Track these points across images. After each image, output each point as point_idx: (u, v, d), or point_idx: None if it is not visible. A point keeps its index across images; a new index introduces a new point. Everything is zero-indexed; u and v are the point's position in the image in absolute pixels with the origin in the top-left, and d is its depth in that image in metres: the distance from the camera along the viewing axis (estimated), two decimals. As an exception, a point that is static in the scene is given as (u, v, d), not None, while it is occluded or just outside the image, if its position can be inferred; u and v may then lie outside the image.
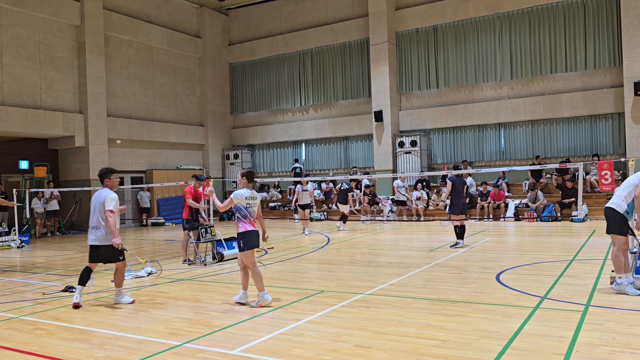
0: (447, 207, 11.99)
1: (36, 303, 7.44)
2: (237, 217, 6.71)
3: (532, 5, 19.24)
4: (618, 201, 6.50)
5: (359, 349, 4.87)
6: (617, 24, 17.98)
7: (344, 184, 17.31)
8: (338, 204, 17.08)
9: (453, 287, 7.34)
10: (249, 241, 6.63)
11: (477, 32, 20.35)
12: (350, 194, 16.87)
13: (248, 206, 6.68)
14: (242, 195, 6.68)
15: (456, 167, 12.01)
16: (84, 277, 7.09)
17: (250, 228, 6.65)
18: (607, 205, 6.65)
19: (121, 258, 7.16)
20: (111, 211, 6.82)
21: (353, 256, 11.00)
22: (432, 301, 6.59)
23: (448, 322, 5.57)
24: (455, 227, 11.48)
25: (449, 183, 11.41)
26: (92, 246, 7.05)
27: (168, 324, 6.00)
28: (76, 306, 6.88)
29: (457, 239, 11.44)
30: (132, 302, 7.09)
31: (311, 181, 22.12)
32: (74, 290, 8.06)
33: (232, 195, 6.72)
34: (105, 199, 6.89)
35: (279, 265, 10.14)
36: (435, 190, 20.21)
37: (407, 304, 6.52)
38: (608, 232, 6.58)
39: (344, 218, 16.67)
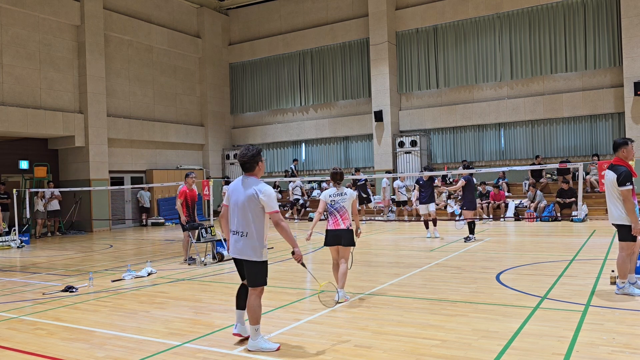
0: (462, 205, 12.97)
1: (36, 303, 7.43)
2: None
3: (532, 5, 19.24)
4: (622, 214, 6.31)
5: (359, 349, 4.87)
6: (617, 24, 17.98)
7: (422, 177, 13.64)
8: (421, 204, 13.40)
9: (453, 287, 7.33)
10: (324, 239, 6.93)
11: (477, 32, 20.35)
12: (435, 183, 13.49)
13: (333, 203, 6.87)
14: (325, 194, 6.99)
15: (467, 167, 12.99)
16: None
17: (327, 226, 6.89)
18: (615, 223, 6.41)
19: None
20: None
21: (353, 256, 10.99)
22: (432, 301, 6.59)
23: (448, 322, 5.57)
24: (470, 222, 12.44)
25: (462, 180, 12.44)
26: None
27: (168, 324, 6.00)
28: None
29: (470, 233, 12.35)
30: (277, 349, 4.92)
31: (306, 181, 22.04)
32: (74, 290, 8.07)
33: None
34: None
35: (279, 265, 10.14)
36: (436, 190, 20.16)
37: (407, 304, 6.52)
38: (621, 240, 6.42)
39: (434, 221, 13.39)
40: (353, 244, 6.84)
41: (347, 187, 7.06)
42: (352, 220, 6.92)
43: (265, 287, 5.00)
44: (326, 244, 6.89)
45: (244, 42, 25.86)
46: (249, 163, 5.03)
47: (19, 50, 17.94)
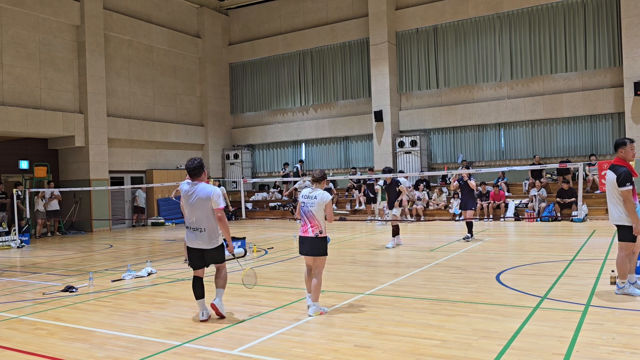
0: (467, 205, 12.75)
1: (36, 303, 7.43)
2: None
3: (532, 5, 19.24)
4: (621, 215, 6.32)
5: (359, 349, 4.87)
6: (617, 24, 17.98)
7: (396, 178, 12.27)
8: (385, 208, 12.43)
9: (453, 287, 7.33)
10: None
11: (477, 32, 20.35)
12: (401, 187, 12.13)
13: (303, 205, 6.32)
14: (301, 194, 6.44)
15: (467, 167, 13.01)
16: None
17: (299, 233, 6.36)
18: (616, 223, 6.43)
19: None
20: None
21: (353, 256, 11.01)
22: (432, 301, 6.59)
23: (448, 322, 5.57)
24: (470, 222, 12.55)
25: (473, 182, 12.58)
26: None
27: (168, 324, 6.00)
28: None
29: (468, 232, 12.52)
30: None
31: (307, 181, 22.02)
32: (74, 290, 8.08)
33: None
34: None
35: (279, 265, 10.14)
36: (436, 190, 20.18)
37: (407, 304, 6.52)
38: (621, 240, 6.44)
39: (396, 230, 12.11)
40: (324, 254, 6.20)
41: (322, 189, 6.37)
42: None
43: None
44: (299, 251, 6.37)
45: (244, 42, 25.86)
46: (197, 170, 6.09)
47: (19, 50, 17.94)
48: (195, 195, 5.98)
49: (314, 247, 6.17)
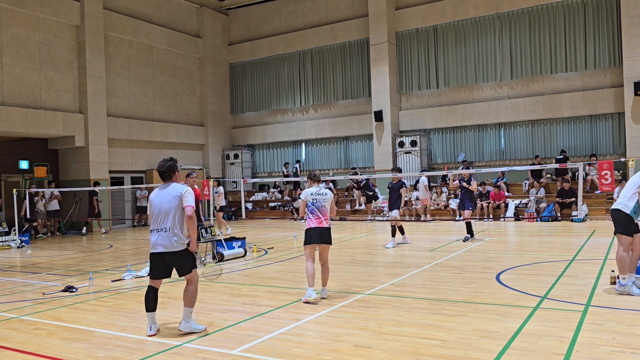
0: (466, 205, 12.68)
1: (36, 303, 7.44)
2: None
3: (532, 5, 19.25)
4: (623, 201, 6.52)
5: (359, 349, 4.87)
6: (617, 24, 17.99)
7: (392, 181, 12.33)
8: (388, 210, 12.66)
9: (453, 287, 7.34)
10: (305, 237, 6.99)
11: (477, 32, 20.35)
12: (404, 190, 12.19)
13: (315, 201, 6.97)
14: (306, 192, 7.04)
15: (467, 167, 13.04)
16: None
17: (310, 225, 6.95)
18: (612, 207, 6.66)
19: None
20: None
21: (353, 256, 11.01)
22: (432, 301, 6.59)
23: (448, 322, 5.57)
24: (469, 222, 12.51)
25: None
26: None
27: (168, 324, 6.00)
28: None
29: (467, 233, 12.42)
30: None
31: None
32: (74, 290, 8.08)
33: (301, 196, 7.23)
34: None
35: (279, 265, 10.14)
36: (436, 190, 20.16)
37: (407, 304, 6.52)
38: (615, 232, 6.60)
39: (399, 229, 12.27)
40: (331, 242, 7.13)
41: (326, 188, 7.20)
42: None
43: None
44: (309, 242, 6.92)
45: (244, 42, 25.86)
46: (167, 172, 5.66)
47: (19, 50, 17.94)
48: (164, 194, 5.56)
49: (329, 236, 6.99)
